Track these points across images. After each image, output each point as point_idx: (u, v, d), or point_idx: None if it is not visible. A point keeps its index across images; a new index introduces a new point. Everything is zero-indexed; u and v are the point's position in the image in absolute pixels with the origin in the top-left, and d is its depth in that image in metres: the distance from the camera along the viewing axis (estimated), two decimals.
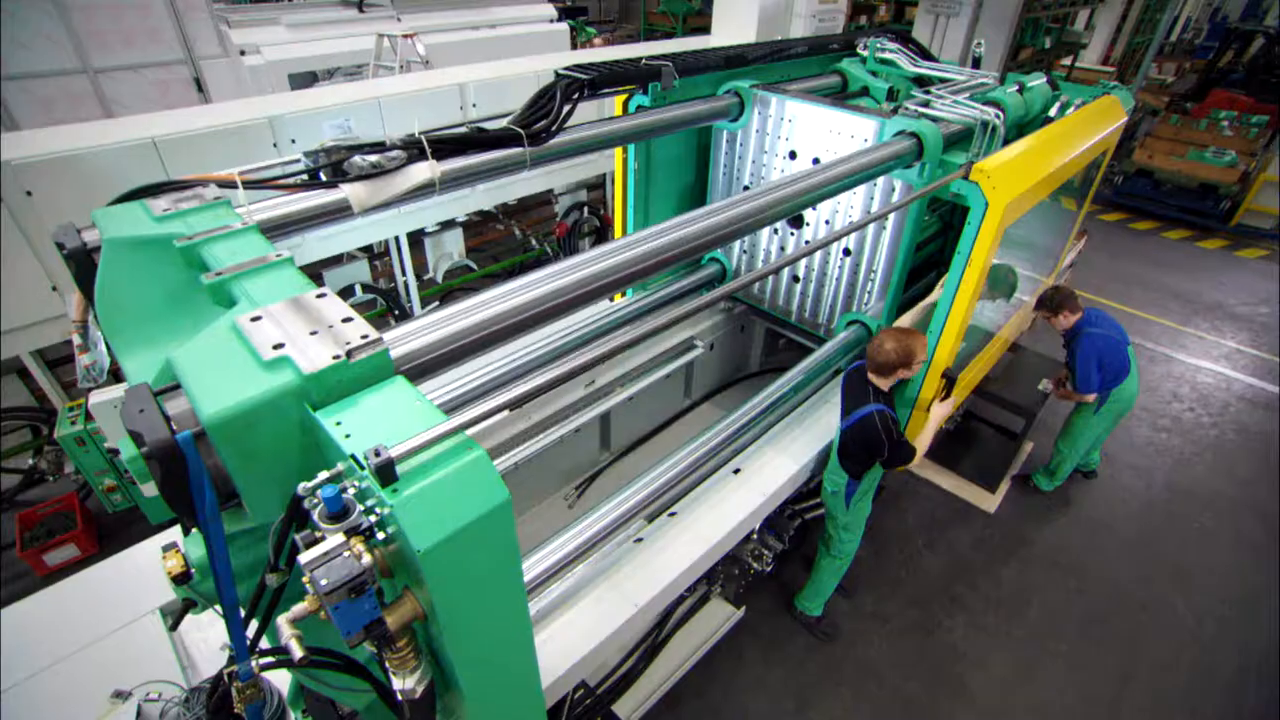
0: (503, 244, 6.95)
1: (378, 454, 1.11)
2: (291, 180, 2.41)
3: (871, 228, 3.61)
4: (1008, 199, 2.74)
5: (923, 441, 3.31)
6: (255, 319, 1.48)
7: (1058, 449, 4.82)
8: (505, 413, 3.46)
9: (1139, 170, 9.77)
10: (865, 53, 4.44)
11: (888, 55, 4.38)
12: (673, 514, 2.92)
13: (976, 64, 4.80)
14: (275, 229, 2.31)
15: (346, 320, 1.48)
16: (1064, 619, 4.13)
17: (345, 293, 5.11)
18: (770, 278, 4.24)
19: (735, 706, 3.60)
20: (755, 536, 3.43)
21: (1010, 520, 4.79)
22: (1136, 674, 3.84)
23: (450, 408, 3.22)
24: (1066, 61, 12.28)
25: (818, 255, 3.92)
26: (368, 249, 5.25)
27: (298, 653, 1.01)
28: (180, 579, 1.45)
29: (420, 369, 1.69)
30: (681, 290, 4.31)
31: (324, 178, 2.47)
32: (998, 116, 3.39)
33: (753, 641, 3.91)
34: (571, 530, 2.56)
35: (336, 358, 1.35)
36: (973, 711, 3.64)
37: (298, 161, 2.48)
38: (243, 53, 6.11)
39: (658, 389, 4.45)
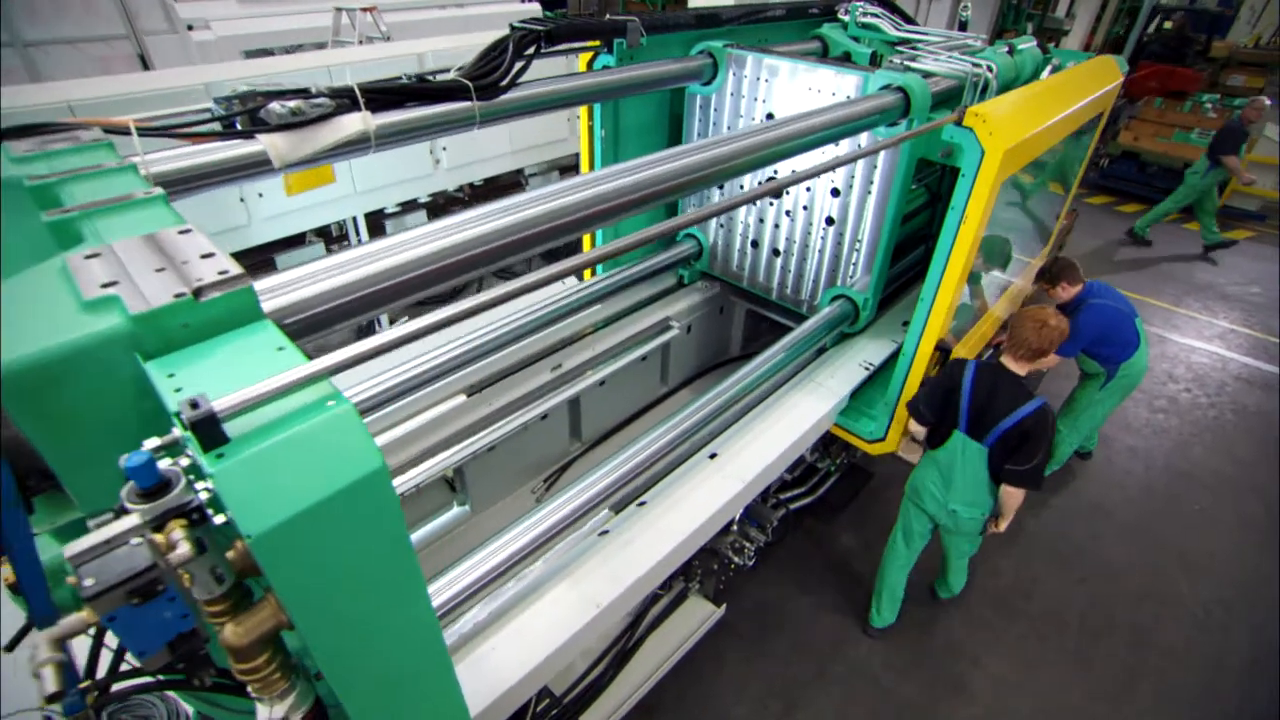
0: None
1: (195, 406, 0.82)
2: (199, 129, 2.09)
3: (855, 194, 3.35)
4: (1006, 146, 2.48)
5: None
6: (91, 256, 1.18)
7: (1057, 429, 4.60)
8: (462, 398, 3.22)
9: (1125, 153, 9.63)
10: (846, 17, 4.19)
11: (870, 20, 4.14)
12: (642, 504, 2.64)
13: (963, 27, 4.57)
14: (179, 183, 2.01)
15: (207, 256, 1.18)
16: (1067, 611, 3.89)
17: None
18: (749, 253, 3.97)
19: (716, 712, 3.33)
20: (735, 528, 3.15)
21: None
22: (1144, 667, 3.61)
23: (398, 393, 2.92)
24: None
25: (799, 226, 3.65)
26: (324, 231, 4.93)
27: (50, 686, 0.71)
28: (16, 588, 1.14)
29: (310, 323, 1.38)
30: (655, 268, 4.04)
31: (239, 127, 2.16)
32: (990, 69, 3.15)
33: (735, 642, 3.64)
34: (524, 524, 2.27)
35: (179, 295, 1.05)
36: (973, 712, 3.38)
37: (208, 112, 2.17)
38: (190, 28, 5.76)
39: (632, 374, 4.16)
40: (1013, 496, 3.11)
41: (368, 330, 5.32)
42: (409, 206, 5.18)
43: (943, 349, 2.90)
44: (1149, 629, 3.80)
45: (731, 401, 2.92)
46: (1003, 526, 3.30)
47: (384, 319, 5.09)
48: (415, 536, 3.32)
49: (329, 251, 5.12)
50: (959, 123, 2.55)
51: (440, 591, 2.06)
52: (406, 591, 1.04)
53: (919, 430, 3.24)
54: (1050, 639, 3.74)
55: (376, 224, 5.37)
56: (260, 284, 1.36)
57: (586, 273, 4.08)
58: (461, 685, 2.00)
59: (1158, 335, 6.56)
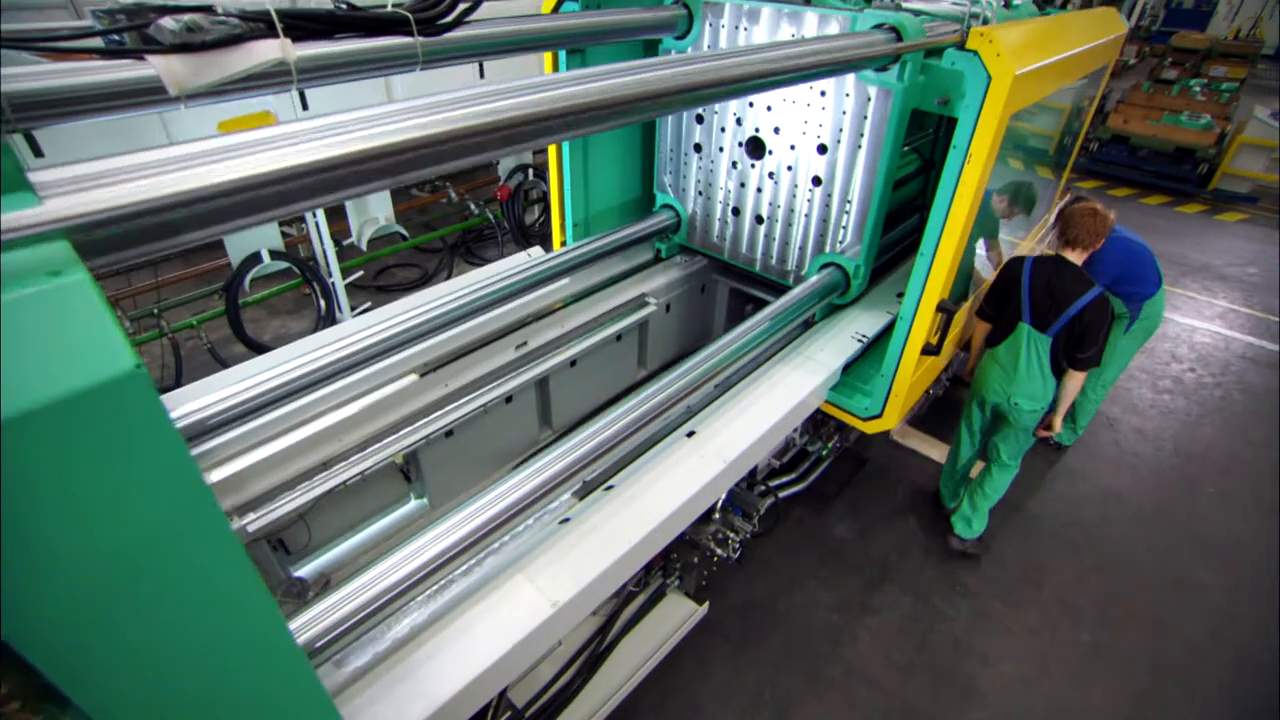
0: (437, 210, 6.30)
1: None
2: (71, 44, 1.74)
3: (844, 150, 3.05)
4: (1015, 71, 2.18)
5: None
6: None
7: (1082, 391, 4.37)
8: (413, 377, 2.88)
9: (1115, 136, 9.43)
10: None
11: None
12: (609, 488, 2.31)
13: None
14: (44, 107, 1.66)
15: None
16: (1081, 602, 3.59)
17: (251, 260, 4.41)
18: (730, 222, 3.66)
19: None
20: (718, 516, 2.82)
21: (1012, 492, 4.23)
22: (1168, 661, 3.31)
23: (337, 370, 2.57)
24: None
25: (783, 189, 3.35)
26: None
27: None
28: None
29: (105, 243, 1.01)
30: (629, 238, 3.71)
31: (128, 45, 1.81)
32: (989, 6, 2.86)
33: (719, 644, 3.31)
34: (468, 509, 1.93)
35: None
36: (983, 716, 3.06)
37: (90, 28, 1.81)
38: None
39: (606, 356, 3.84)
40: (1074, 382, 3.37)
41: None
42: None
43: (945, 310, 2.59)
44: (1171, 621, 3.50)
45: (710, 375, 2.59)
46: (1057, 424, 3.57)
47: (341, 290, 4.73)
48: (367, 533, 2.99)
49: (284, 233, 4.76)
50: (961, 45, 2.25)
51: (363, 589, 1.72)
52: (204, 550, 0.70)
53: (980, 335, 3.60)
54: (1064, 632, 3.43)
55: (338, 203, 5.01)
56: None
57: (556, 242, 3.75)
58: (390, 701, 1.67)
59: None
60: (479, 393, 3.01)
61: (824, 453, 3.67)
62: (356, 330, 2.68)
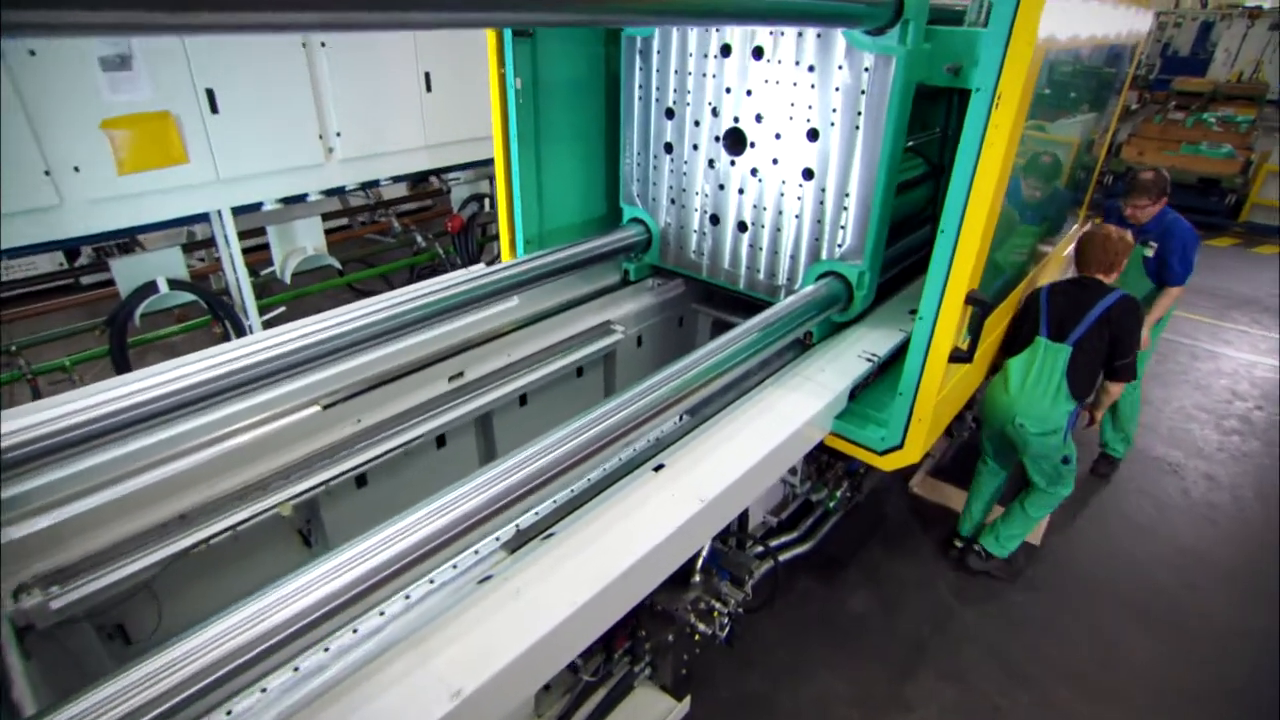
0: (377, 243, 6.04)
1: None
2: None
3: (838, 134, 2.79)
4: None
5: None
6: None
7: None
8: (314, 409, 2.49)
9: (1129, 169, 9.43)
10: None
11: None
12: (549, 536, 1.89)
13: None
14: None
15: None
16: (1172, 693, 3.13)
17: (144, 290, 4.06)
18: (709, 232, 3.38)
19: None
20: (698, 579, 2.38)
21: (1065, 550, 3.91)
22: None
23: (207, 396, 2.15)
24: None
25: (769, 187, 3.08)
26: (187, 228, 4.28)
27: None
28: None
29: None
30: (591, 253, 3.40)
31: None
32: None
33: None
34: (341, 557, 1.50)
35: None
36: None
37: None
38: None
39: (564, 395, 3.48)
40: (1113, 388, 3.49)
41: None
42: (293, 203, 4.53)
43: (976, 303, 2.25)
44: None
45: (679, 394, 2.22)
46: (1098, 416, 3.66)
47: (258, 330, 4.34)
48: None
49: (185, 256, 4.43)
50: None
51: (170, 669, 1.27)
52: None
53: None
54: None
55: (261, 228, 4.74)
56: None
57: (505, 252, 3.48)
58: None
59: (1207, 350, 6.20)
60: (399, 429, 2.64)
61: (831, 505, 3.28)
62: (243, 347, 2.29)
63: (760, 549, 2.97)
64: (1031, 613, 3.53)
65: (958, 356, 2.35)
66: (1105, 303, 3.23)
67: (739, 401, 2.55)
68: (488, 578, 1.75)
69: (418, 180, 6.29)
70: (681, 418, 2.48)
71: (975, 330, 2.33)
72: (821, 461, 3.19)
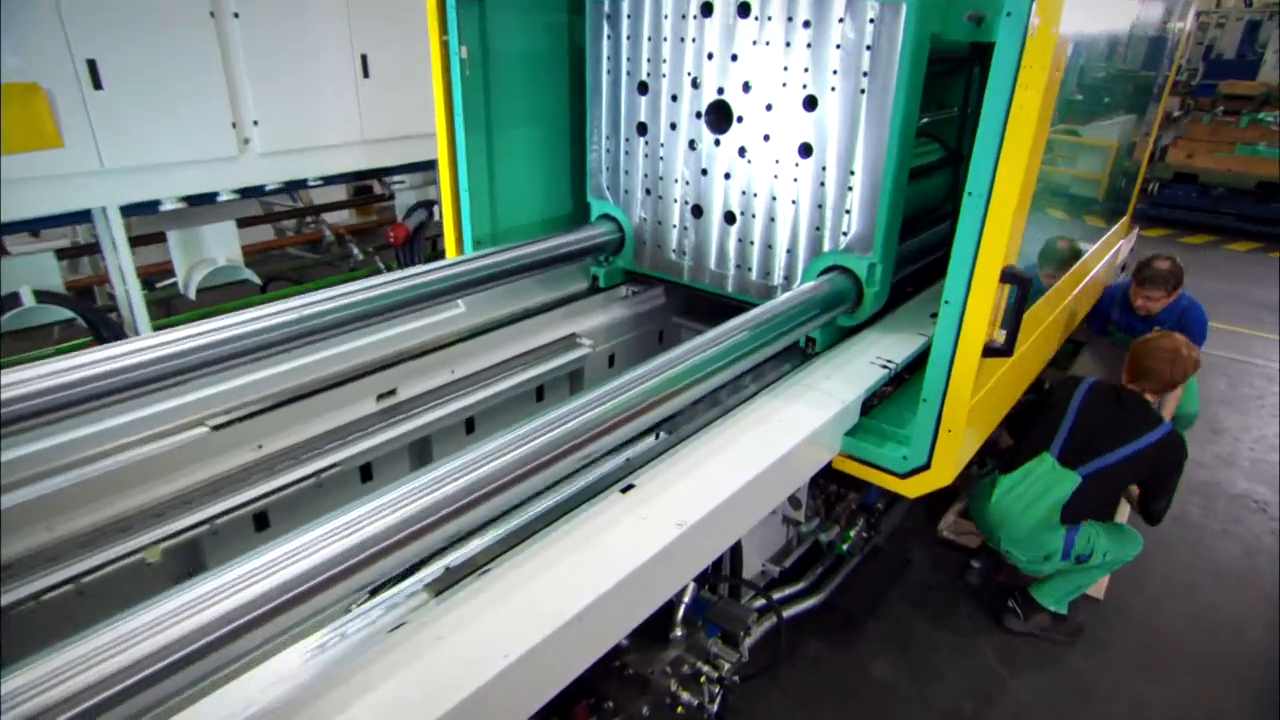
0: (307, 256, 5.90)
1: None
2: None
3: (840, 100, 2.72)
4: None
5: None
6: None
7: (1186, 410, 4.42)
8: (201, 430, 2.33)
9: (1178, 175, 9.55)
10: None
11: None
12: (485, 572, 1.72)
13: None
14: None
15: None
16: None
17: (4, 303, 3.88)
18: (691, 226, 3.29)
19: None
20: (679, 634, 2.19)
21: (1136, 604, 3.74)
22: None
23: (53, 407, 1.98)
24: None
25: (761, 169, 3.01)
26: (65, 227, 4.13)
27: None
28: None
29: None
30: (554, 252, 3.30)
31: None
32: None
33: None
34: (207, 585, 1.32)
35: None
36: None
37: None
38: None
39: (518, 420, 3.30)
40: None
41: None
42: (200, 202, 4.38)
43: (1015, 281, 2.13)
44: None
45: (651, 399, 2.07)
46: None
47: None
48: None
49: (59, 261, 4.26)
50: None
51: None
52: None
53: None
54: None
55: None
56: None
57: (450, 247, 3.39)
58: None
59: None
60: (311, 456, 2.46)
61: (844, 549, 3.10)
62: (109, 349, 2.12)
63: (760, 601, 2.79)
64: (1099, 680, 3.33)
65: (993, 350, 2.21)
66: (1149, 439, 3.17)
67: (725, 417, 2.41)
68: (400, 625, 1.57)
69: (359, 186, 6.20)
70: (658, 435, 2.34)
71: (1014, 319, 2.19)
72: (830, 493, 3.03)
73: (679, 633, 2.17)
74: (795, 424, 2.32)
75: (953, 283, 2.21)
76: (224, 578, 1.34)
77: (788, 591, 3.03)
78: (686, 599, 2.18)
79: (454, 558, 1.79)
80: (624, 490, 1.98)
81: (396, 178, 5.30)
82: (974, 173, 2.11)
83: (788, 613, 2.93)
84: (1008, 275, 2.12)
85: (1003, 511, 3.30)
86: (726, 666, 2.30)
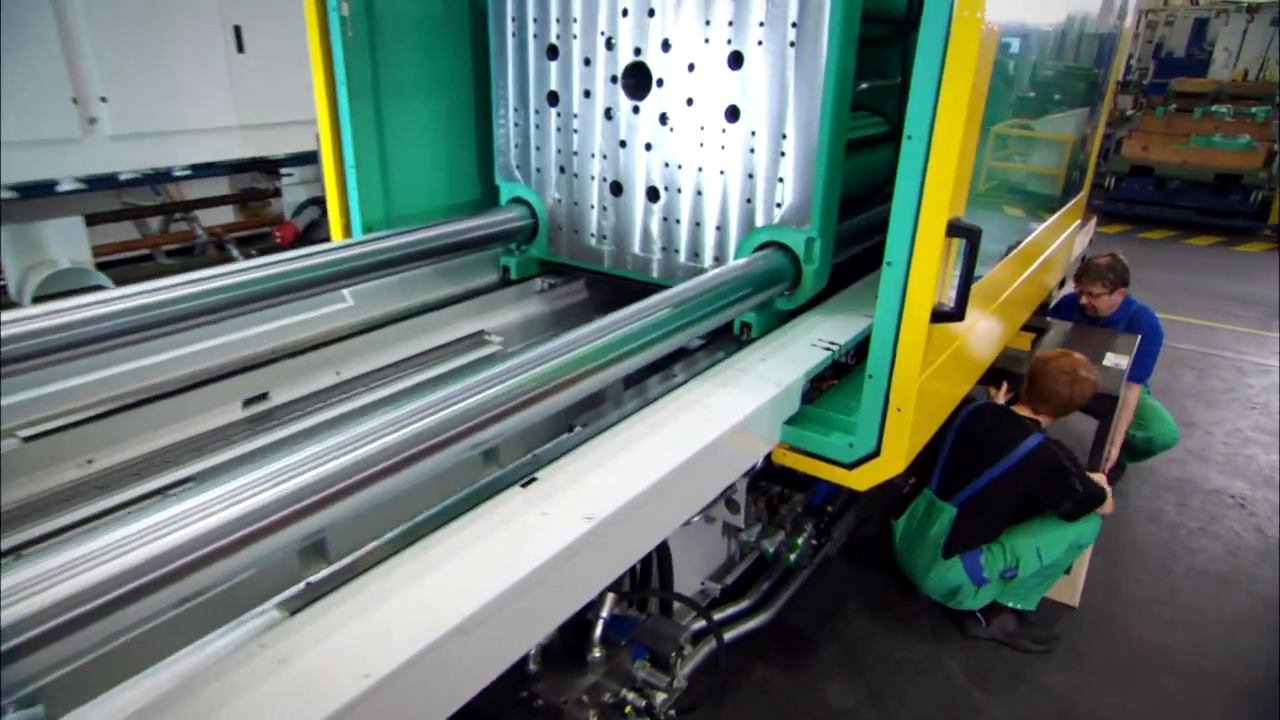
0: (166, 262, 5.67)
1: None
2: None
3: (768, 57, 2.67)
4: None
5: None
6: None
7: (1165, 439, 4.71)
8: (10, 442, 2.15)
9: (1135, 168, 9.88)
10: None
11: None
12: (349, 582, 1.55)
13: None
14: None
15: None
16: None
17: None
18: (610, 206, 3.21)
19: None
20: (598, 654, 2.04)
21: (1115, 612, 3.77)
22: None
23: None
24: None
25: (685, 138, 2.97)
26: None
27: None
28: None
29: None
30: (457, 238, 3.19)
31: None
32: None
33: None
34: None
35: None
36: None
37: None
38: None
39: None
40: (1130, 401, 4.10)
41: None
42: (37, 193, 4.07)
43: (964, 233, 2.06)
44: None
45: (559, 379, 1.94)
46: (1114, 455, 4.13)
47: None
48: None
49: None
50: None
51: None
52: None
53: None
54: None
55: None
56: None
57: (335, 229, 3.27)
58: None
59: (1256, 364, 6.50)
60: (158, 471, 2.25)
61: (792, 559, 3.01)
62: None
63: (702, 627, 2.66)
64: (1079, 694, 3.31)
65: (943, 314, 2.14)
66: (1015, 455, 3.25)
67: (648, 408, 2.29)
68: (238, 649, 1.38)
69: (245, 187, 5.93)
70: (571, 429, 2.21)
71: (965, 278, 2.12)
72: (773, 495, 2.93)
73: (597, 654, 2.01)
74: (726, 410, 2.22)
75: (894, 240, 2.15)
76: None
77: (730, 611, 2.95)
78: (605, 613, 2.03)
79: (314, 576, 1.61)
80: (525, 484, 1.83)
81: (286, 170, 5.09)
82: (912, 111, 2.07)
83: (731, 634, 2.87)
84: (955, 228, 2.06)
85: (904, 556, 3.53)
86: (660, 697, 2.16)
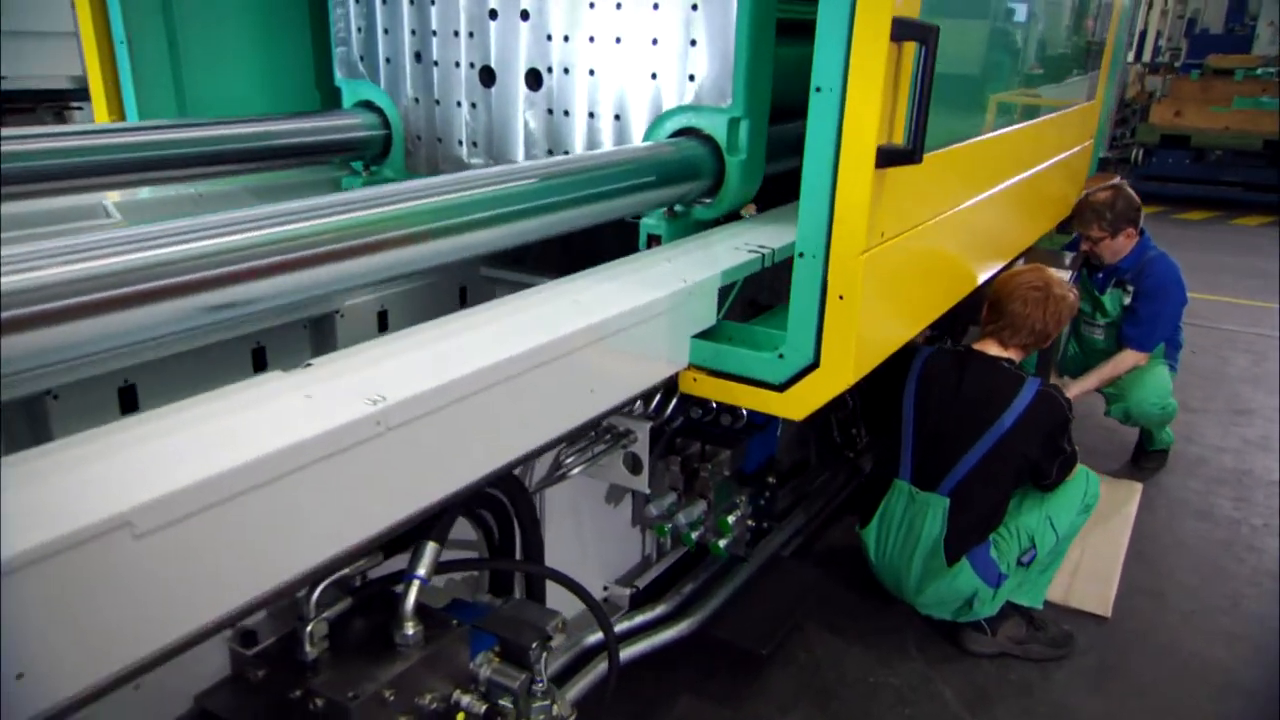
0: None
1: None
2: None
3: None
4: None
5: None
6: None
7: (1139, 410, 4.71)
8: None
9: (1166, 137, 9.97)
10: None
11: None
12: None
13: None
14: None
15: None
16: None
17: None
18: (480, 100, 3.17)
19: None
20: (411, 631, 1.73)
21: (1153, 619, 3.72)
22: None
23: None
24: None
25: (574, 6, 2.81)
26: None
27: None
28: None
29: None
30: (281, 140, 3.02)
31: None
32: None
33: None
34: None
35: None
36: None
37: None
38: None
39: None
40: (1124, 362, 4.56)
41: None
42: None
43: (915, 35, 1.84)
44: None
45: (369, 236, 1.70)
46: (1074, 391, 4.33)
47: None
48: None
49: None
50: None
51: None
52: None
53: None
54: None
55: None
56: None
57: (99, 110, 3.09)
58: None
59: None
60: None
61: (721, 548, 2.81)
62: None
63: (616, 633, 2.41)
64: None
65: (893, 155, 1.91)
66: (1015, 410, 3.14)
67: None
68: None
69: None
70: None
71: (921, 100, 1.90)
72: (690, 455, 2.68)
73: (409, 631, 1.70)
74: (601, 305, 1.96)
75: (823, 56, 1.92)
76: None
77: (639, 619, 2.74)
78: (421, 570, 1.73)
79: None
80: (304, 366, 1.57)
81: None
82: None
83: (640, 647, 2.62)
84: (902, 29, 1.82)
85: (889, 572, 3.40)
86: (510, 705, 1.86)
